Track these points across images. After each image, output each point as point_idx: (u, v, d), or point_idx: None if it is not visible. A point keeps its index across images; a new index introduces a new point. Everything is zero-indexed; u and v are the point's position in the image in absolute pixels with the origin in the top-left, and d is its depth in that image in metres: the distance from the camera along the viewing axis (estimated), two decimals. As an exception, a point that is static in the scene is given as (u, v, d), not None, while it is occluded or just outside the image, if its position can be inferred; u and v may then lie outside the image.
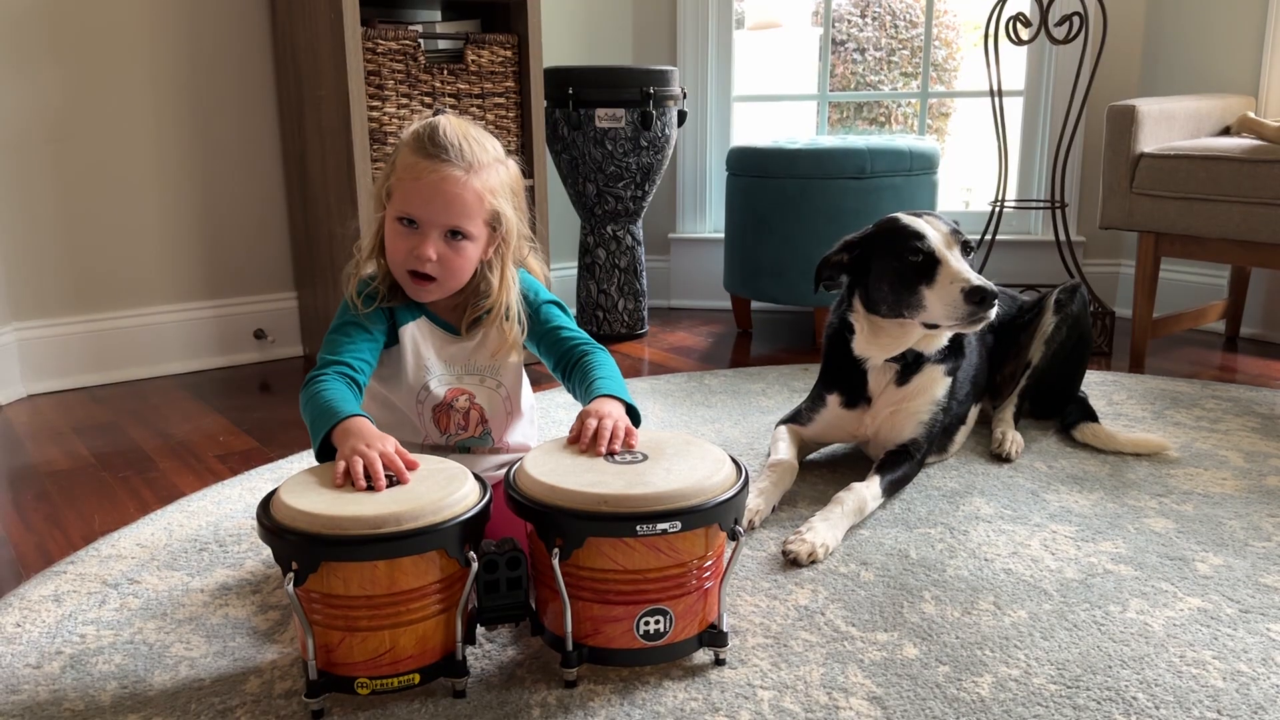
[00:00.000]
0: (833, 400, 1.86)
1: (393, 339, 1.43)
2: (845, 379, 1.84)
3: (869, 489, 1.67)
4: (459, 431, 1.47)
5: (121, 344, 2.65)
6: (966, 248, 1.72)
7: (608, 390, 1.37)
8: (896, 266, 1.70)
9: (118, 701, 1.19)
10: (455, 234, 1.38)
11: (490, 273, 1.44)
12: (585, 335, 1.50)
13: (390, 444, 1.21)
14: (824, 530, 1.55)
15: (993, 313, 1.65)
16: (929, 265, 1.68)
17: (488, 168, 1.39)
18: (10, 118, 2.44)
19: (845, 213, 2.78)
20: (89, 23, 2.51)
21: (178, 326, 2.73)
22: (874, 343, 1.79)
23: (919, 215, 1.75)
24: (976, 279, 1.64)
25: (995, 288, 1.64)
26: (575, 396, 1.45)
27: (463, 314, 1.46)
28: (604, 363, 1.45)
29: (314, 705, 1.14)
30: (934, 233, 1.70)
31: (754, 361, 2.81)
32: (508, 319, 1.45)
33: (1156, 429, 2.10)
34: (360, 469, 1.17)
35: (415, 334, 1.44)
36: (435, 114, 1.42)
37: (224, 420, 2.31)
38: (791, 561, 1.50)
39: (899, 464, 1.76)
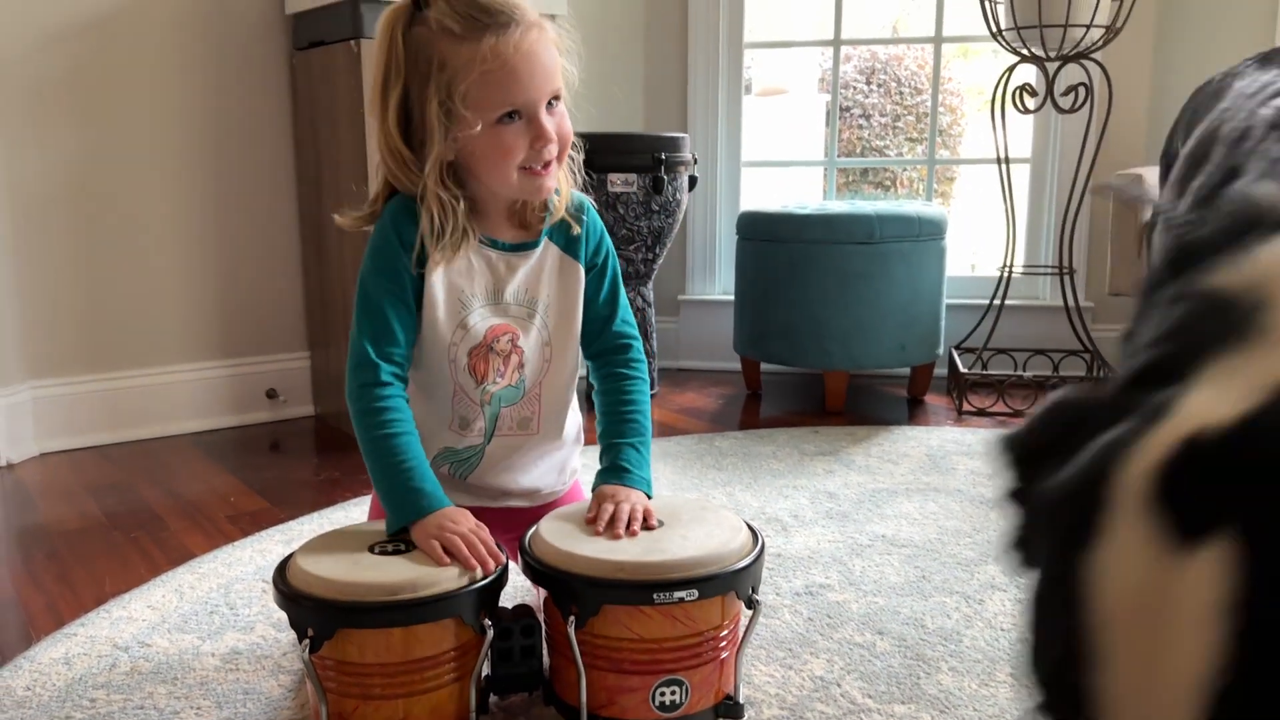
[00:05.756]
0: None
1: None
2: None
3: None
4: (496, 379, 1.32)
5: (134, 403, 2.67)
6: None
7: (627, 463, 1.32)
8: None
9: (127, 769, 1.17)
10: (552, 101, 1.23)
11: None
12: (634, 331, 1.40)
13: (472, 522, 1.19)
14: None
15: None
16: None
17: (542, 18, 1.23)
18: (30, 179, 2.48)
19: (853, 277, 2.80)
20: (109, 87, 2.56)
21: (191, 386, 2.74)
22: None
23: None
24: None
25: None
26: (596, 412, 1.38)
27: (514, 219, 1.32)
28: (638, 405, 1.37)
29: (326, 775, 1.13)
30: None
31: (764, 423, 2.81)
32: (555, 212, 1.31)
33: (1170, 496, 2.09)
34: (460, 546, 1.15)
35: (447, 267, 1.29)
36: None
37: (235, 480, 2.31)
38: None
39: None
